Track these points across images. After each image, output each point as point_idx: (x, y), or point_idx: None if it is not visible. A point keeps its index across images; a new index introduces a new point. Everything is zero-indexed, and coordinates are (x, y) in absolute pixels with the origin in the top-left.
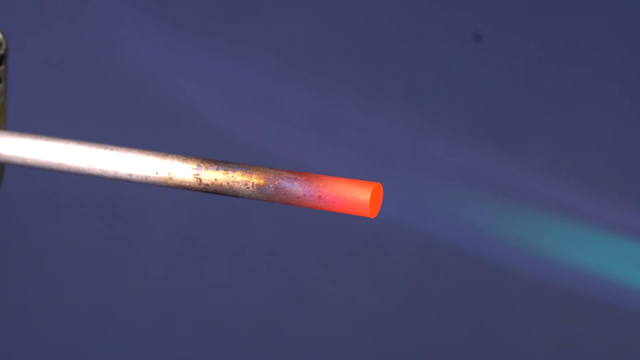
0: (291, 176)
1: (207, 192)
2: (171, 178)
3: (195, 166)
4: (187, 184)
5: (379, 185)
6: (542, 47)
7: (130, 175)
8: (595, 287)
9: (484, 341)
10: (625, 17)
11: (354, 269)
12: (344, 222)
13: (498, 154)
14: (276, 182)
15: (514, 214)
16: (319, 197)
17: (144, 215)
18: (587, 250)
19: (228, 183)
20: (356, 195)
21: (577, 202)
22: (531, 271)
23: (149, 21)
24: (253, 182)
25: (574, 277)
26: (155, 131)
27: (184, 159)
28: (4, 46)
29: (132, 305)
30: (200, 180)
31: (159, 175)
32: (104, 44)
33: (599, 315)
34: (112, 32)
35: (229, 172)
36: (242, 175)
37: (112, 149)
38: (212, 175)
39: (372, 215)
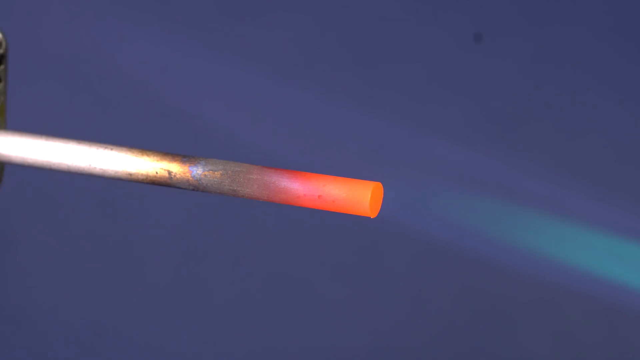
0: (291, 176)
1: (207, 192)
2: (171, 178)
3: (195, 166)
4: (187, 184)
5: (379, 185)
6: (542, 47)
7: (130, 175)
8: (595, 287)
9: (484, 341)
10: (625, 17)
11: (355, 269)
12: (344, 222)
13: (498, 154)
14: (276, 182)
15: (514, 214)
16: (319, 197)
17: (143, 215)
18: (586, 250)
19: (228, 183)
20: (356, 195)
21: (578, 201)
22: (530, 271)
23: (149, 21)
24: (253, 182)
25: (574, 276)
26: (156, 131)
27: (183, 159)
28: (4, 46)
29: (132, 305)
30: (200, 180)
31: (159, 175)
32: (104, 44)
33: (598, 315)
34: (112, 31)
35: (230, 172)
36: (242, 175)
37: (112, 149)
38: (212, 175)
39: (373, 215)
